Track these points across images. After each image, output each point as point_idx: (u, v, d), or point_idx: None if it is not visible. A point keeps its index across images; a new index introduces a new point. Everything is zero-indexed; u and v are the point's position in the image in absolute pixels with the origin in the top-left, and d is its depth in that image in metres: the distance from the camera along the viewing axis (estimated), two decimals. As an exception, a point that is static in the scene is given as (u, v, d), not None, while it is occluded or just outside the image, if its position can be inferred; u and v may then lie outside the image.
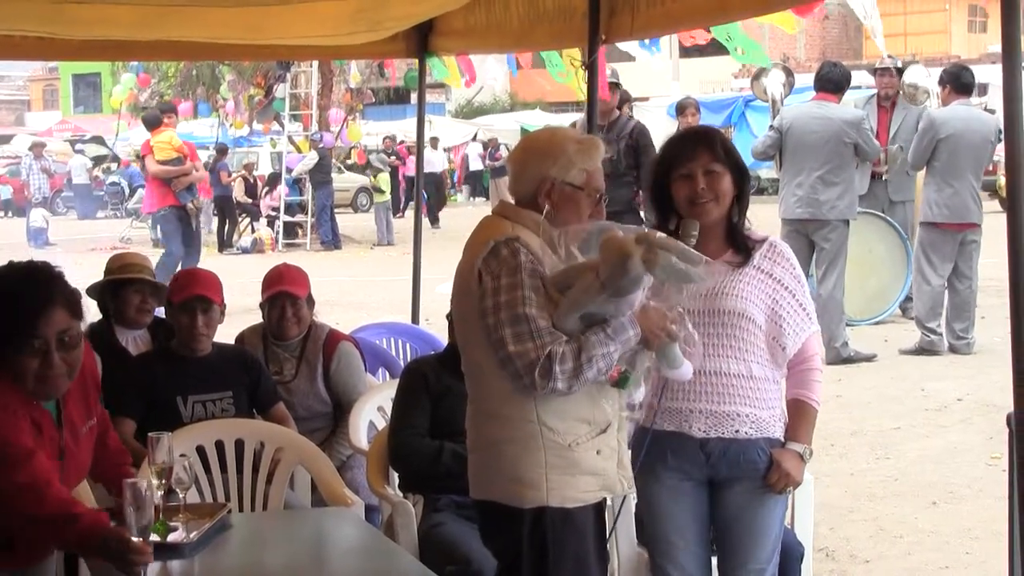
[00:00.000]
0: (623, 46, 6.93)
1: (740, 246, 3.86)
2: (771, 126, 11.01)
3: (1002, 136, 6.33)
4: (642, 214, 9.51)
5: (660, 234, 3.47)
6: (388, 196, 26.31)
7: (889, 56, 12.45)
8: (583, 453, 3.55)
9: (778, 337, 3.81)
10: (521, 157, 3.68)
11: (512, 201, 3.69)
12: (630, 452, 3.83)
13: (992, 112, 15.70)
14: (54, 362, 3.43)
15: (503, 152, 33.91)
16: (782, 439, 3.87)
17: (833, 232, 10.37)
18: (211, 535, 3.73)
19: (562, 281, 3.50)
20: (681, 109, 13.01)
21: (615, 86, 9.41)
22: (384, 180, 26.69)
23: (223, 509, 4.02)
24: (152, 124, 15.27)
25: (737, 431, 3.80)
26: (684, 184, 3.81)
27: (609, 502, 3.83)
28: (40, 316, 3.41)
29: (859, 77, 18.86)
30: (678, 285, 3.46)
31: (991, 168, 14.10)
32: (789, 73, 13.64)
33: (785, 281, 3.84)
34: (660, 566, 3.99)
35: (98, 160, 37.34)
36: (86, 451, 3.76)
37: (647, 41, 6.69)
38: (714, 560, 4.01)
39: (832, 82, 10.61)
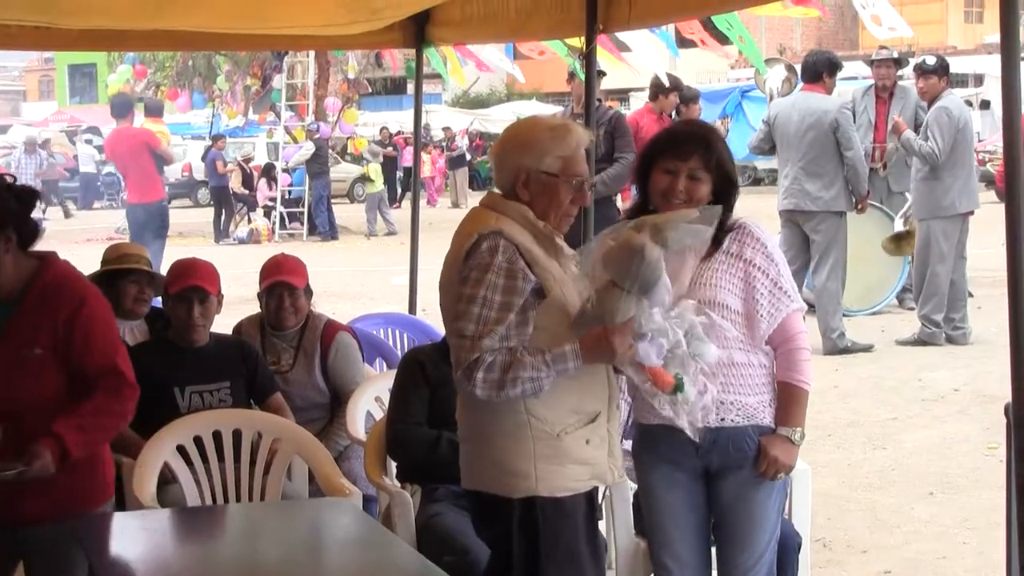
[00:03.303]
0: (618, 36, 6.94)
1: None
2: (763, 120, 11.04)
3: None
4: (617, 200, 9.64)
5: (652, 217, 3.47)
6: (380, 187, 26.24)
7: (884, 47, 12.42)
8: (572, 442, 3.55)
9: (754, 318, 3.78)
10: (499, 149, 3.67)
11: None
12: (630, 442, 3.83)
13: (987, 103, 15.68)
14: None
15: (458, 143, 34.08)
16: (773, 426, 3.84)
17: (823, 223, 10.33)
18: None
19: (592, 314, 3.45)
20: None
21: (599, 75, 9.49)
22: (375, 170, 26.59)
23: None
24: (156, 113, 15.25)
25: (723, 419, 3.77)
26: (664, 178, 3.78)
27: (602, 491, 3.82)
28: None
29: (855, 68, 18.83)
30: (686, 253, 3.48)
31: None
32: (791, 70, 13.59)
33: (756, 261, 3.78)
34: (658, 557, 3.99)
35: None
36: (29, 377, 3.80)
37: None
38: (714, 550, 4.01)
39: (808, 71, 10.58)
